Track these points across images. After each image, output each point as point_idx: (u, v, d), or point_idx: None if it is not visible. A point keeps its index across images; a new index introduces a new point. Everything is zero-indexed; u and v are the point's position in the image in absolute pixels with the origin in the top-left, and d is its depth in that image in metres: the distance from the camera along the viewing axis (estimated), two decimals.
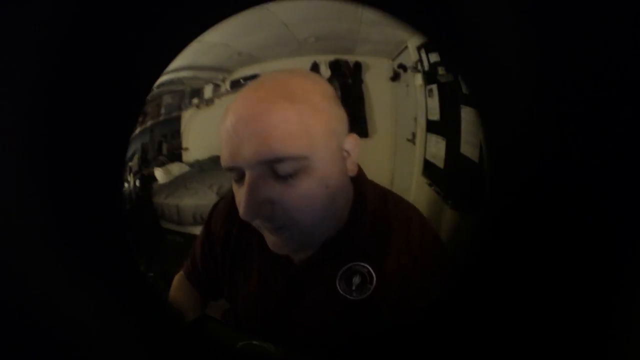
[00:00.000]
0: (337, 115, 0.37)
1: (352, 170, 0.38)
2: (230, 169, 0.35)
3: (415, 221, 0.42)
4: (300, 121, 0.33)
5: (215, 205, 0.51)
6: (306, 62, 0.50)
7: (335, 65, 0.51)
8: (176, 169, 0.54)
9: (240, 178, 0.35)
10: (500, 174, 0.35)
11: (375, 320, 0.41)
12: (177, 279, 0.54)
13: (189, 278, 0.53)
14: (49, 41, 0.29)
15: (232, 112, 0.35)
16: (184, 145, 0.54)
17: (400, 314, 0.40)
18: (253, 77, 0.49)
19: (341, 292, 0.40)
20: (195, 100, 0.53)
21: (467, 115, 0.45)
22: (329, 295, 0.41)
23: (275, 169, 0.33)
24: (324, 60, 0.51)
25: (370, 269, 0.40)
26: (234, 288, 0.49)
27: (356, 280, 0.40)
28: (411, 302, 0.40)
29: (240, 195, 0.35)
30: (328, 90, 0.38)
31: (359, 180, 0.41)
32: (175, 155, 0.54)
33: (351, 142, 0.38)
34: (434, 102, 0.49)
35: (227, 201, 0.47)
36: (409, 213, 0.42)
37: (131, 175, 0.51)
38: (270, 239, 0.39)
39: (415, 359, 0.36)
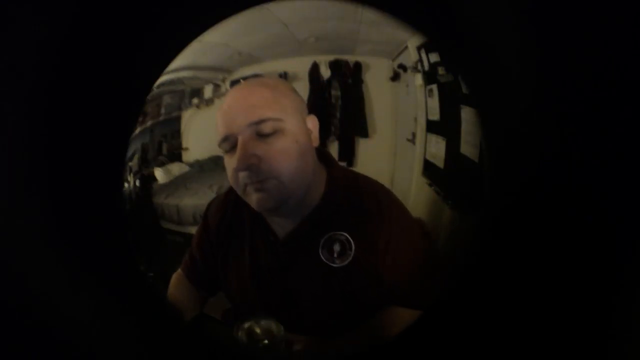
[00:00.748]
0: (298, 99, 0.48)
1: (315, 143, 0.48)
2: (226, 138, 0.44)
3: (382, 193, 0.48)
4: (274, 97, 0.45)
5: (212, 201, 0.53)
6: (306, 62, 0.50)
7: (335, 65, 0.51)
8: (176, 169, 0.54)
9: (232, 148, 0.44)
10: (500, 174, 0.35)
11: (361, 288, 0.46)
12: (175, 277, 0.54)
13: (187, 275, 0.54)
14: (49, 41, 0.29)
15: (226, 100, 0.46)
16: (184, 145, 0.54)
17: (383, 280, 0.45)
18: (253, 77, 0.50)
19: (324, 260, 0.46)
20: (195, 100, 0.53)
21: (467, 115, 0.45)
22: (314, 264, 0.46)
23: (260, 129, 0.43)
24: (324, 60, 0.51)
25: (348, 236, 0.46)
26: (229, 272, 0.51)
27: (336, 247, 0.46)
28: (392, 267, 0.45)
29: (233, 159, 0.43)
30: (288, 85, 0.49)
31: (331, 164, 0.50)
32: (175, 155, 0.54)
33: (311, 121, 0.47)
34: (434, 102, 0.49)
35: (221, 197, 0.53)
36: (377, 187, 0.49)
37: (131, 175, 0.51)
38: (255, 198, 0.45)
39: (415, 358, 0.36)
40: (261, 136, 0.43)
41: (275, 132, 0.43)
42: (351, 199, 0.48)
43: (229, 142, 0.44)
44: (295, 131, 0.45)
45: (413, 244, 0.47)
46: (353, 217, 0.47)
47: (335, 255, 0.46)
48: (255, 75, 0.50)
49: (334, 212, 0.47)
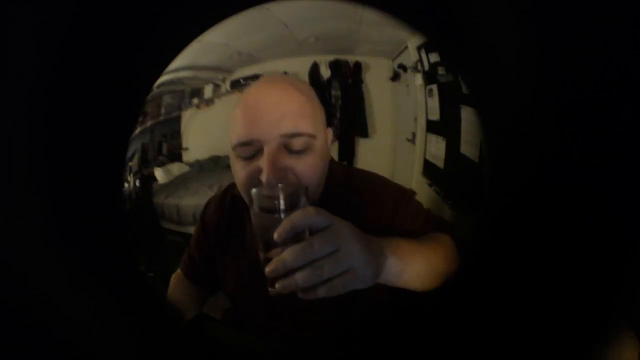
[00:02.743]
0: (322, 107, 0.45)
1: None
2: (248, 143, 0.40)
3: (377, 180, 0.48)
4: (309, 107, 0.41)
5: (209, 201, 0.53)
6: (306, 62, 0.50)
7: (335, 65, 0.51)
8: (176, 169, 0.54)
9: (252, 156, 0.40)
10: (500, 174, 0.35)
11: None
12: (175, 277, 0.54)
13: (186, 273, 0.54)
14: (49, 41, 0.29)
15: (250, 96, 0.41)
16: (184, 145, 0.54)
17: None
18: (253, 77, 0.50)
19: None
20: (195, 100, 0.53)
21: (467, 115, 0.45)
22: None
23: (291, 143, 0.39)
24: (324, 60, 0.51)
25: None
26: (229, 271, 0.51)
27: None
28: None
29: (251, 168, 0.40)
30: (312, 90, 0.46)
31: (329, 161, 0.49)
32: (175, 155, 0.54)
33: (329, 133, 0.47)
34: (434, 102, 0.49)
35: (218, 197, 0.52)
36: (371, 176, 0.49)
37: (131, 175, 0.51)
38: None
39: (415, 356, 0.36)
40: (290, 150, 0.40)
41: (306, 149, 0.40)
42: (349, 195, 0.47)
43: (251, 147, 0.40)
44: (323, 146, 0.43)
45: (409, 214, 0.47)
46: (351, 212, 0.46)
47: None
48: (255, 76, 0.50)
49: (333, 209, 0.47)
